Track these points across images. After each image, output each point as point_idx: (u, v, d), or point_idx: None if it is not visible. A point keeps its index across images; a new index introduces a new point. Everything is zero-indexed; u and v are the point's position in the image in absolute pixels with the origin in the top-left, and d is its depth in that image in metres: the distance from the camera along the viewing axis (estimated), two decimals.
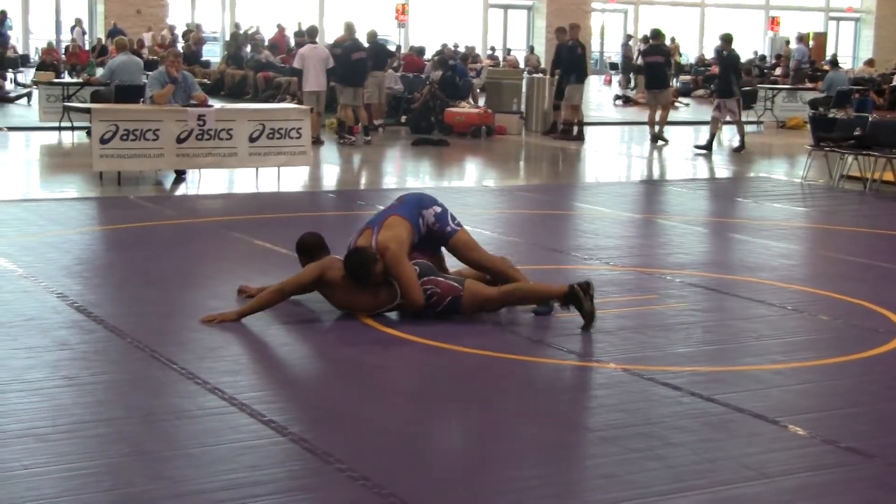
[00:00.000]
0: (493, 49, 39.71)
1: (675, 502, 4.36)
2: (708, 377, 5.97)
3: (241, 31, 30.46)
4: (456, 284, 6.94)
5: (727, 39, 19.30)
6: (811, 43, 37.10)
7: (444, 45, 30.05)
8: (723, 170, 16.90)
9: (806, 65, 32.21)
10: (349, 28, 18.44)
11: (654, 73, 19.72)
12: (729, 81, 18.67)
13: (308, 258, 7.12)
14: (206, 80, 23.48)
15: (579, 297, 6.75)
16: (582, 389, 5.90)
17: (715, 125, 18.88)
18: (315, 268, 6.88)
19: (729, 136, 22.06)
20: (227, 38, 32.05)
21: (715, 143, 20.83)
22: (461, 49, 32.04)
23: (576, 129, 19.76)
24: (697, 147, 18.68)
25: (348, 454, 4.68)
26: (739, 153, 18.39)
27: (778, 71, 32.23)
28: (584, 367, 6.21)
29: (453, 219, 7.28)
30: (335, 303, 6.99)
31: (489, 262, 7.26)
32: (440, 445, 4.98)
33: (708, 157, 18.05)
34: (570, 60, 19.48)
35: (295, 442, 4.84)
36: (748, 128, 23.43)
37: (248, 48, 27.94)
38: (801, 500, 4.45)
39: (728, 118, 19.04)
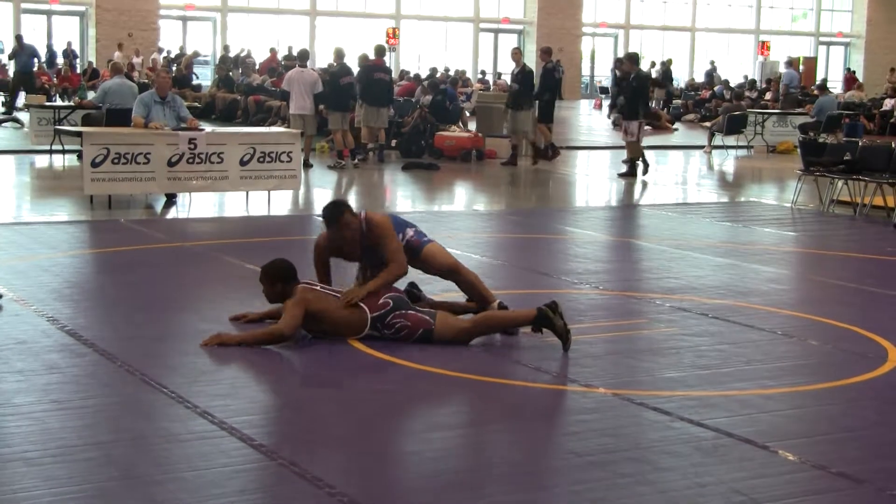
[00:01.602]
0: (483, 73, 39.85)
1: None
2: (698, 402, 5.97)
3: (231, 55, 30.50)
4: (427, 318, 6.94)
5: (633, 59, 18.83)
6: (801, 67, 37.30)
7: (434, 69, 30.14)
8: (712, 194, 16.94)
9: (796, 89, 32.35)
10: (338, 53, 18.47)
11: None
12: (636, 103, 18.07)
13: (282, 286, 7.03)
14: (196, 104, 23.46)
15: (549, 316, 6.79)
16: (571, 414, 5.90)
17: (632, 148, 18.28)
18: (298, 307, 6.82)
19: (719, 160, 22.17)
20: (218, 61, 32.09)
21: (705, 167, 20.89)
22: (451, 73, 32.14)
23: (544, 149, 19.61)
24: (620, 175, 18.08)
25: (338, 478, 4.68)
26: (624, 178, 17.75)
27: (768, 95, 32.38)
28: (573, 392, 6.21)
29: (426, 235, 7.63)
30: (315, 330, 6.98)
31: (462, 269, 7.50)
32: (430, 470, 4.98)
33: (634, 181, 17.66)
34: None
35: (285, 466, 4.83)
36: (739, 152, 23.57)
37: (240, 72, 27.97)
38: None
39: (625, 139, 18.32)
